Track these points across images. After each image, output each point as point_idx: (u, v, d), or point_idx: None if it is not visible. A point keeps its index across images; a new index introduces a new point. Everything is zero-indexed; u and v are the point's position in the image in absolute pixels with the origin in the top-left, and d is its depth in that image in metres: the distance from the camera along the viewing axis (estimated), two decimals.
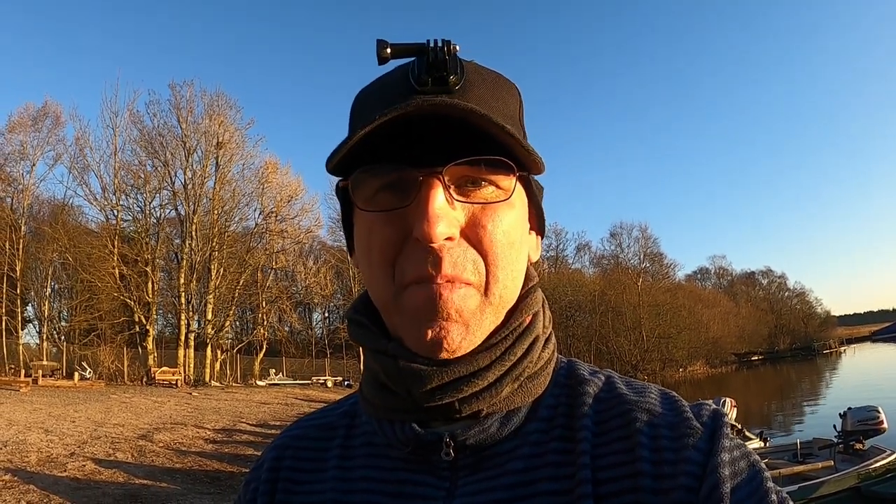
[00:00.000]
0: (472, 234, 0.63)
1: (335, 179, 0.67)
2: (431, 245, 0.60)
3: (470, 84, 0.64)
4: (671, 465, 0.60)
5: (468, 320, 0.63)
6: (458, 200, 0.63)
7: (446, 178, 0.62)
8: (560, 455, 0.65)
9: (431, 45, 0.62)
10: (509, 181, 0.65)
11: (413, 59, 0.65)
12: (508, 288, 0.66)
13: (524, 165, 0.66)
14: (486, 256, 0.64)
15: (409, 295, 0.63)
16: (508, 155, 0.63)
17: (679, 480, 0.59)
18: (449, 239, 0.61)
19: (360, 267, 0.70)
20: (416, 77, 0.63)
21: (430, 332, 0.62)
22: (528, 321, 0.70)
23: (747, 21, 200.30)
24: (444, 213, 0.61)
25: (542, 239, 0.79)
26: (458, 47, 0.63)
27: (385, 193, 0.64)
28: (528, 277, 0.72)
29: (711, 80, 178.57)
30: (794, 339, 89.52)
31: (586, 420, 0.66)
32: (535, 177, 0.73)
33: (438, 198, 0.61)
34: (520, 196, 0.68)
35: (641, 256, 67.61)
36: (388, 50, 0.63)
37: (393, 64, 0.66)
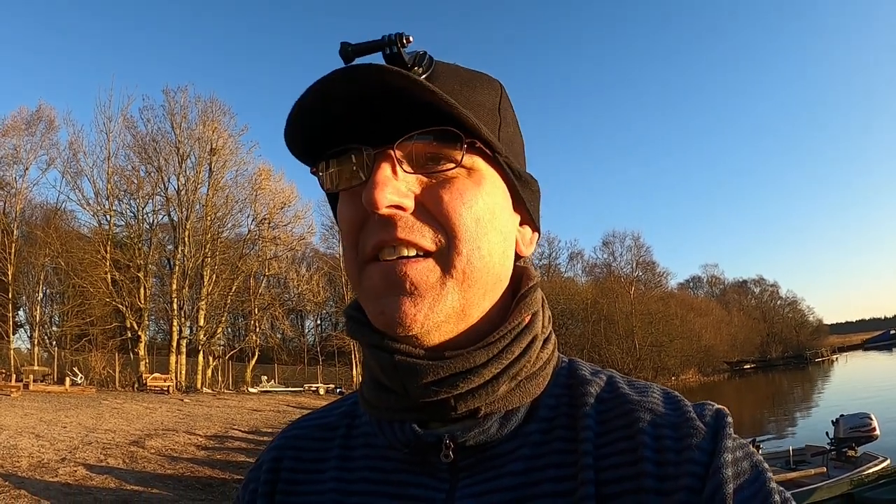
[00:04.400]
0: (431, 206, 0.63)
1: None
2: (382, 213, 0.61)
3: (436, 75, 0.65)
4: (674, 466, 0.60)
5: (425, 293, 0.62)
6: (406, 171, 0.63)
7: (399, 154, 0.62)
8: (562, 455, 0.64)
9: (386, 39, 0.63)
10: (460, 152, 0.63)
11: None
12: (475, 266, 0.64)
13: (490, 144, 0.65)
14: (446, 227, 0.63)
15: (368, 270, 0.64)
16: (457, 126, 0.62)
17: (682, 481, 0.58)
18: (399, 208, 0.62)
19: None
20: None
21: (385, 307, 0.62)
22: (527, 320, 0.69)
23: (736, 34, 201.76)
24: (389, 181, 0.61)
25: (537, 235, 0.78)
26: (411, 39, 0.63)
27: (346, 174, 0.65)
28: (527, 277, 0.73)
29: (704, 89, 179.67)
30: (786, 348, 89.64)
31: (589, 420, 0.66)
32: (532, 174, 0.74)
33: (385, 169, 0.62)
34: (491, 177, 0.67)
35: (634, 265, 67.76)
36: (350, 49, 0.64)
37: None
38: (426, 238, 0.62)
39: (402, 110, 0.61)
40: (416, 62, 0.64)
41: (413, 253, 0.62)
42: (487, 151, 0.66)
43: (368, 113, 0.62)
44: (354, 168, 0.64)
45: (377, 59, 0.64)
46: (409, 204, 0.62)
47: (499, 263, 0.67)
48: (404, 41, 0.63)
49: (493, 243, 0.66)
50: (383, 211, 0.61)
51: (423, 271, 0.62)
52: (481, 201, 0.65)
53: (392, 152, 0.62)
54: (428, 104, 0.60)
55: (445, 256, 0.63)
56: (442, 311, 0.63)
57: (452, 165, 0.63)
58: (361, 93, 0.60)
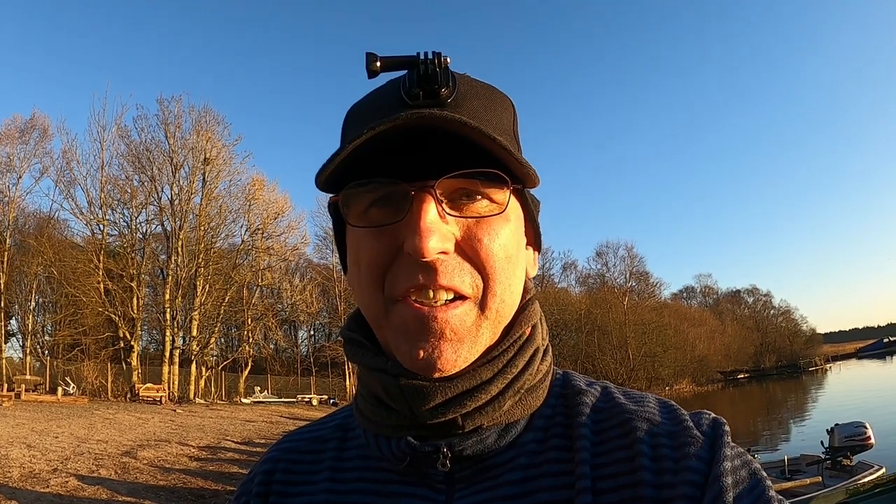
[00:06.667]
0: (468, 248, 0.62)
1: (323, 196, 0.67)
2: (424, 259, 0.59)
3: (462, 97, 0.64)
4: (672, 474, 0.60)
5: (464, 337, 0.62)
6: (450, 215, 0.62)
7: (439, 192, 0.61)
8: (558, 464, 0.64)
9: (422, 57, 0.61)
10: (503, 194, 0.64)
11: (404, 72, 0.64)
12: (506, 303, 0.65)
13: (518, 178, 0.65)
14: (483, 270, 0.63)
15: (399, 310, 0.62)
16: (502, 167, 0.62)
17: (680, 489, 0.59)
18: (443, 253, 0.61)
19: (351, 284, 0.69)
20: (407, 90, 0.62)
21: (422, 350, 0.61)
22: (527, 333, 0.70)
23: (728, 41, 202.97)
24: (437, 227, 0.60)
25: (538, 254, 0.79)
26: (448, 60, 0.62)
27: (376, 208, 0.63)
28: (525, 290, 0.72)
29: (696, 100, 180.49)
30: (780, 357, 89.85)
31: (584, 429, 0.66)
32: (531, 191, 0.73)
33: (430, 212, 0.60)
34: (515, 210, 0.67)
35: (627, 275, 68.25)
36: (378, 63, 0.63)
37: (384, 78, 0.66)
38: (465, 283, 0.62)
39: (445, 146, 0.61)
40: (441, 83, 0.62)
41: (451, 296, 0.62)
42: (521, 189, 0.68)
43: (405, 146, 0.61)
44: (389, 204, 0.62)
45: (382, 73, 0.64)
46: (451, 248, 0.62)
47: (518, 293, 0.69)
48: (442, 62, 0.62)
49: (519, 277, 0.68)
50: (428, 259, 0.60)
51: (461, 316, 0.61)
52: (512, 238, 0.66)
53: (433, 192, 0.61)
54: (481, 148, 0.60)
55: (482, 299, 0.63)
56: (478, 351, 0.64)
57: (497, 211, 0.64)
58: (411, 133, 0.60)
